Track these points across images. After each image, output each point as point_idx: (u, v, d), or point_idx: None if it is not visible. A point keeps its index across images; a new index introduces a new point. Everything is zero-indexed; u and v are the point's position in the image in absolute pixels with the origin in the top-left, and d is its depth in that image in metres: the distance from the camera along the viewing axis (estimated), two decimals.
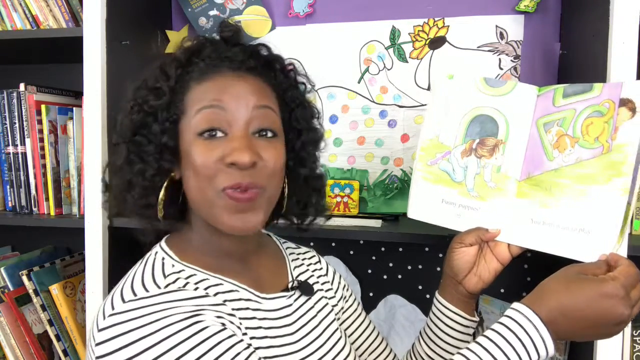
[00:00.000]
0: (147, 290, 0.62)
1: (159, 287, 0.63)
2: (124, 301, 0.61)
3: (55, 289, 1.28)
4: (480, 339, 0.65)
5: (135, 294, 0.62)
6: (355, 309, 0.91)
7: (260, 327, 0.68)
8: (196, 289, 0.65)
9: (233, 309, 0.66)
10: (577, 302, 0.63)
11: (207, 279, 0.68)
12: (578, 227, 0.76)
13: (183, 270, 0.68)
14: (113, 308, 0.61)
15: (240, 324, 0.66)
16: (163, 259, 0.69)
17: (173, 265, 0.68)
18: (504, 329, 0.63)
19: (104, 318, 0.60)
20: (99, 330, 0.60)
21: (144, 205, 0.70)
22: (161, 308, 0.59)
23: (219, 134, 0.65)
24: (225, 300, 0.67)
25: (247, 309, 0.69)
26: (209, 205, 0.66)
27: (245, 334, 0.65)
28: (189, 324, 0.58)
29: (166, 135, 0.68)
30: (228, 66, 0.69)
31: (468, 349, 0.64)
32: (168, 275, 0.66)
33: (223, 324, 0.62)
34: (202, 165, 0.64)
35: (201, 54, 0.70)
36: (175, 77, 0.68)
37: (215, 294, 0.66)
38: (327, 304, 0.83)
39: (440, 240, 0.84)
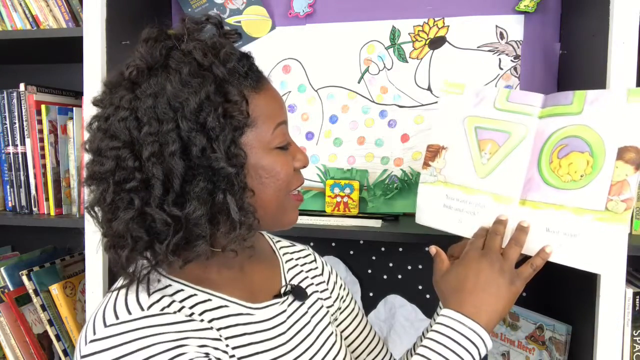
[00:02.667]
0: (129, 313, 0.61)
1: (142, 309, 0.61)
2: (105, 325, 0.60)
3: (55, 289, 1.28)
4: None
5: (117, 317, 0.60)
6: (353, 309, 0.91)
7: (251, 343, 0.67)
8: (181, 308, 0.63)
9: (220, 328, 0.65)
10: (455, 273, 0.77)
11: (195, 294, 0.67)
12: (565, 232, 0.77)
13: (170, 285, 0.66)
14: (94, 333, 0.60)
15: (227, 345, 0.64)
16: (149, 272, 0.67)
17: (159, 280, 0.66)
18: (435, 335, 0.70)
19: (86, 343, 0.60)
20: (82, 357, 0.59)
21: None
22: (143, 335, 0.58)
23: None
24: (212, 319, 0.65)
25: (237, 325, 0.68)
26: (280, 207, 0.70)
27: (233, 356, 0.64)
28: (170, 357, 0.57)
29: (241, 152, 0.63)
30: (258, 70, 0.70)
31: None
32: (153, 293, 0.64)
33: (207, 354, 0.61)
34: (287, 173, 0.69)
35: (233, 59, 0.65)
36: (238, 90, 0.64)
37: (202, 313, 0.65)
38: (322, 306, 0.83)
39: (440, 240, 0.84)
